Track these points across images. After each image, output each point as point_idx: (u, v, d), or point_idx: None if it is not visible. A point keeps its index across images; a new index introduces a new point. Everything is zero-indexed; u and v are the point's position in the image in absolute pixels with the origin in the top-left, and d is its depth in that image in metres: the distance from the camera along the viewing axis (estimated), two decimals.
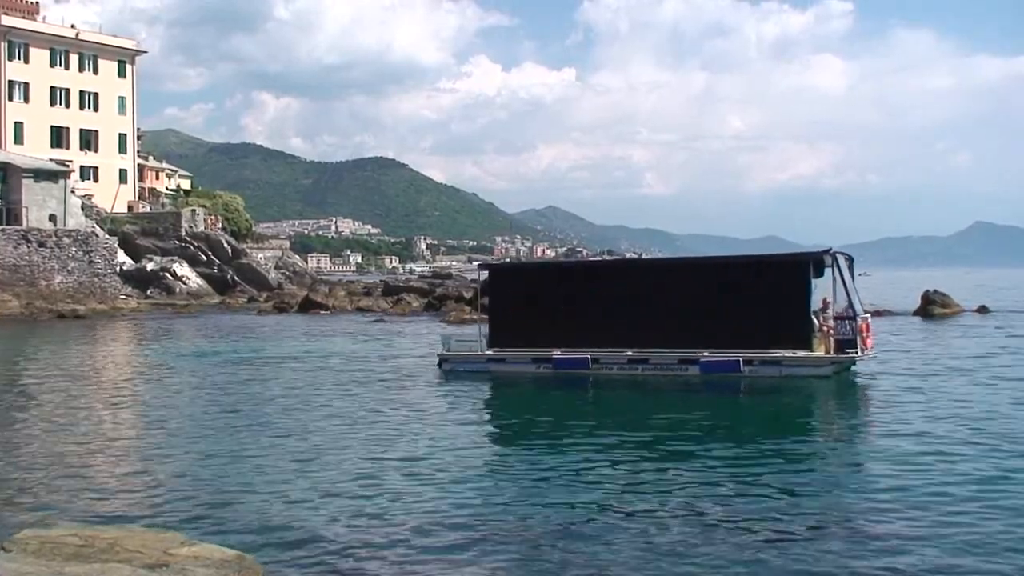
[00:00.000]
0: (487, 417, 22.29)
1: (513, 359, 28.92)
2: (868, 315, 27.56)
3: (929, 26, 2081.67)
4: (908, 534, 11.32)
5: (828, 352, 26.30)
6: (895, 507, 12.57)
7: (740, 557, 10.55)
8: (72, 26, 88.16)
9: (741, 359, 26.20)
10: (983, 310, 54.70)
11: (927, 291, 57.20)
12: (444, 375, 28.64)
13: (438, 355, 30.38)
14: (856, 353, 26.09)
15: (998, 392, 23.54)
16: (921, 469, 14.83)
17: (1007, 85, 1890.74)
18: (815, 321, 26.47)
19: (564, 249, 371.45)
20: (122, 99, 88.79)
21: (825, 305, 26.89)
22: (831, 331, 26.33)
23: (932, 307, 54.02)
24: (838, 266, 26.61)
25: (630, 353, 27.57)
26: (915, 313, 52.54)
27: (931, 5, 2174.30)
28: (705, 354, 26.69)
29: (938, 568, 10.16)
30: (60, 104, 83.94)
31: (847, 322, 26.17)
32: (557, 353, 28.14)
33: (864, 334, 26.40)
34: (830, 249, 26.95)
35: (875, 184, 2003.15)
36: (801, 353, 26.12)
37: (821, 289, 27.02)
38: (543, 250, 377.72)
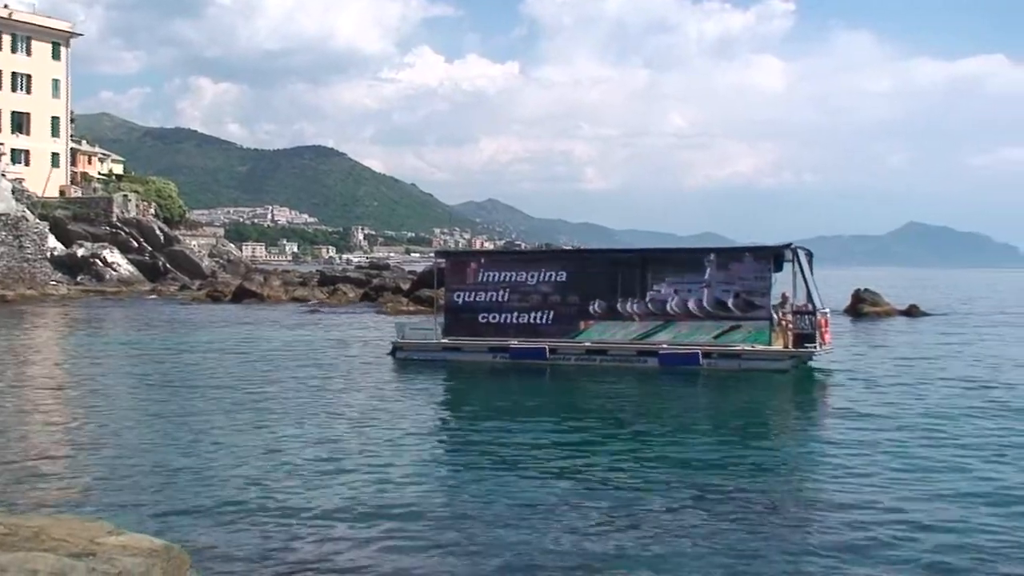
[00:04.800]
0: (442, 406, 22.23)
1: (469, 348, 28.95)
2: (827, 310, 27.91)
3: (869, 28, 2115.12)
4: (861, 514, 11.69)
5: (787, 346, 26.63)
6: (850, 490, 13.07)
7: (694, 538, 10.74)
8: (5, 6, 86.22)
9: (700, 352, 26.45)
10: (914, 309, 55.37)
11: (857, 289, 57.28)
12: (398, 364, 28.54)
13: (392, 343, 30.25)
14: (815, 347, 26.45)
15: (944, 386, 24.25)
16: (874, 455, 15.50)
17: (944, 88, 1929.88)
18: (775, 315, 26.79)
19: (502, 242, 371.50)
20: (56, 82, 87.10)
21: (784, 299, 27.19)
22: (790, 325, 26.65)
23: (862, 305, 54.33)
24: (798, 261, 26.87)
25: (588, 344, 27.74)
26: (845, 312, 52.57)
27: (872, 8, 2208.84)
28: (664, 346, 26.92)
29: (888, 543, 10.52)
30: None
31: (806, 316, 26.48)
32: (514, 343, 28.21)
33: (823, 329, 26.70)
34: (791, 244, 27.22)
35: (811, 183, 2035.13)
36: (760, 347, 26.41)
37: (781, 283, 27.36)
38: (482, 243, 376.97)
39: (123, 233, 79.62)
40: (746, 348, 26.45)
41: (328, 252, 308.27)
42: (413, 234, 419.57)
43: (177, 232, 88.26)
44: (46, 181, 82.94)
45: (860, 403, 21.24)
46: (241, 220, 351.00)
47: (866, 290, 57.30)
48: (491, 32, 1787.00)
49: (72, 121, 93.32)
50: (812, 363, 27.16)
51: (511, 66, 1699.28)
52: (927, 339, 39.18)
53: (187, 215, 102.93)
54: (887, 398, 22.07)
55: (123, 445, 16.21)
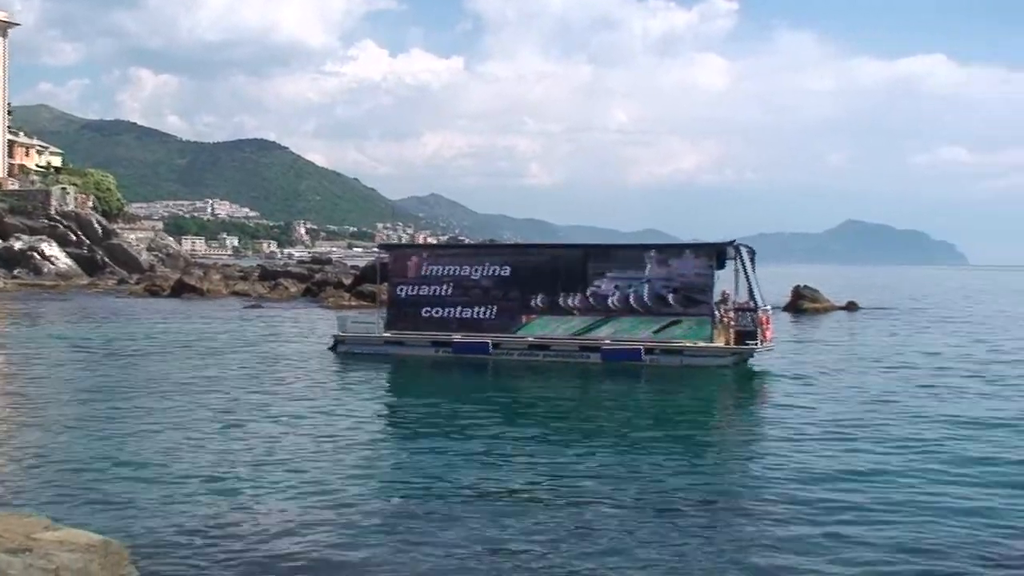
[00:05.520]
0: (384, 401, 22.15)
1: (412, 342, 28.87)
2: (768, 308, 28.18)
3: (812, 28, 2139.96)
4: (801, 509, 11.79)
5: (728, 343, 26.86)
6: (790, 485, 13.17)
7: (633, 535, 10.78)
8: None
9: (642, 348, 26.61)
10: (852, 305, 56.14)
11: (797, 286, 57.59)
12: (339, 358, 28.39)
13: (333, 336, 30.10)
14: (756, 344, 26.72)
15: (881, 378, 24.89)
16: (813, 448, 15.72)
17: (886, 87, 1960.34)
18: (716, 312, 27.02)
19: (446, 237, 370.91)
20: None
21: (725, 297, 27.43)
22: (731, 322, 26.90)
23: (802, 302, 54.77)
24: (741, 258, 27.15)
25: (531, 339, 27.79)
26: (785, 308, 52.53)
27: (814, 8, 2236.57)
28: (607, 342, 27.04)
29: (821, 534, 10.65)
30: None
31: (748, 314, 26.75)
32: (457, 337, 28.18)
33: (764, 326, 26.99)
34: (733, 241, 27.48)
35: (753, 181, 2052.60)
36: (702, 343, 26.62)
37: (723, 281, 27.60)
38: (424, 238, 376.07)
39: (61, 226, 78.53)
40: (688, 344, 26.67)
41: (269, 246, 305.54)
42: (356, 229, 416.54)
43: (115, 226, 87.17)
44: None
45: (799, 398, 21.51)
46: (180, 213, 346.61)
47: (806, 287, 57.73)
48: (435, 27, 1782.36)
49: (9, 113, 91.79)
50: (753, 359, 27.46)
51: (455, 61, 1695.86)
52: (865, 334, 39.83)
53: (126, 208, 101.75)
54: (826, 392, 22.40)
55: (58, 440, 15.97)
